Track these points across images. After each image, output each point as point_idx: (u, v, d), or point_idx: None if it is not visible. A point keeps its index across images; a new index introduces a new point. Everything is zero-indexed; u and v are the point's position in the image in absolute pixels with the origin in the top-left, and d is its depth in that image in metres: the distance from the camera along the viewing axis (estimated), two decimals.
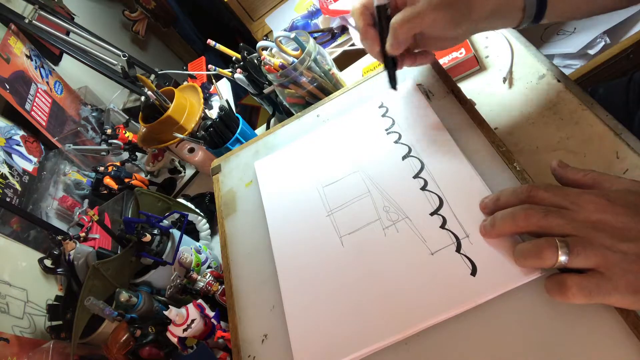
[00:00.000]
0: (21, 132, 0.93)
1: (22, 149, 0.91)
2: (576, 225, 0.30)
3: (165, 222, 0.66)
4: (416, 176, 0.43)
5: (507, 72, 0.59)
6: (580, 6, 0.42)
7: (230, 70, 0.76)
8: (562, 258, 0.30)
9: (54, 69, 1.11)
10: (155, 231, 0.63)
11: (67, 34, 1.09)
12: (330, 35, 0.91)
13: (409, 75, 0.52)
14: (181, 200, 0.75)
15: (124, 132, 0.99)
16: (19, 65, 0.97)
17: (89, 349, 0.63)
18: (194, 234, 0.73)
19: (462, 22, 0.39)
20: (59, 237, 0.74)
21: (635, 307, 0.29)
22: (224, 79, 1.00)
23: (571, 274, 0.30)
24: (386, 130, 0.48)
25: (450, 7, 0.38)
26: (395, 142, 0.47)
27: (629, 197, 0.31)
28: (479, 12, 0.39)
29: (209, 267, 0.66)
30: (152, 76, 1.09)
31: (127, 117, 1.08)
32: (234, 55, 0.74)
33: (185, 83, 0.96)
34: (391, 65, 0.45)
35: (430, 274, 0.37)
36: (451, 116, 0.45)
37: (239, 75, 0.74)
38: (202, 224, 0.73)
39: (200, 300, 0.55)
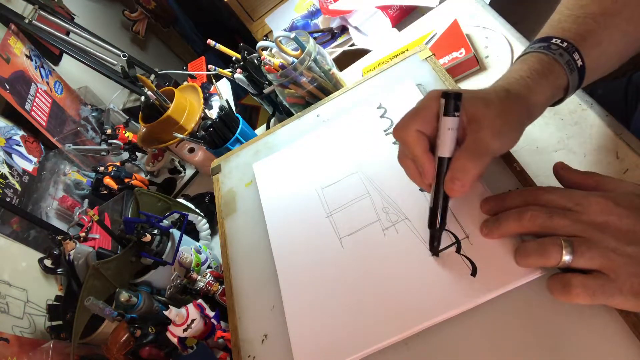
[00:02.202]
0: (21, 132, 0.93)
1: (22, 149, 0.91)
2: (581, 226, 0.30)
3: (165, 222, 0.66)
4: None
5: None
6: (610, 66, 0.41)
7: (230, 70, 0.76)
8: (566, 257, 0.30)
9: (54, 69, 1.11)
10: (155, 231, 0.63)
11: (67, 34, 1.09)
12: (330, 35, 0.91)
13: (409, 75, 0.52)
14: (181, 200, 0.75)
15: (124, 132, 0.99)
16: (19, 65, 0.97)
17: (89, 349, 0.63)
18: (194, 234, 0.73)
19: (521, 133, 0.35)
20: (59, 237, 0.74)
21: (638, 309, 0.29)
22: (224, 79, 1.00)
23: (576, 274, 0.30)
24: (385, 131, 0.48)
25: (511, 126, 0.34)
26: (395, 142, 0.47)
27: (635, 201, 0.31)
28: (535, 114, 0.37)
29: (209, 267, 0.66)
30: (152, 76, 1.09)
31: (127, 117, 1.08)
32: (234, 55, 0.74)
33: (185, 83, 0.96)
34: (442, 221, 0.36)
35: (430, 275, 0.37)
36: None
37: (239, 75, 0.74)
38: (202, 224, 0.73)
39: (200, 300, 0.55)
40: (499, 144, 0.33)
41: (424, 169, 0.35)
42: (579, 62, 0.36)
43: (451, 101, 0.32)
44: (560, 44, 0.37)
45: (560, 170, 0.37)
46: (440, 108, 0.33)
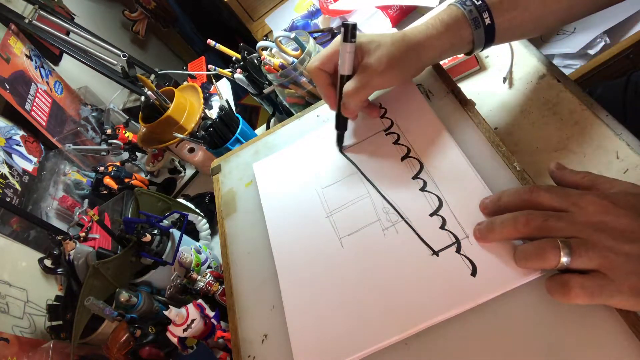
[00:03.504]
0: (21, 132, 0.93)
1: (22, 149, 0.91)
2: (578, 227, 0.30)
3: (165, 222, 0.66)
4: (415, 177, 0.43)
5: (507, 72, 0.59)
6: (527, 29, 0.44)
7: (230, 70, 0.76)
8: (565, 259, 0.30)
9: (54, 69, 1.11)
10: (155, 231, 0.64)
11: (67, 34, 1.09)
12: (330, 35, 0.91)
13: None
14: (181, 200, 0.75)
15: (124, 132, 0.99)
16: (19, 65, 0.97)
17: (89, 349, 0.63)
18: (194, 234, 0.73)
19: (411, 75, 0.43)
20: (59, 237, 0.74)
21: (637, 308, 0.29)
22: (224, 79, 1.00)
23: (574, 275, 0.30)
24: (385, 131, 0.48)
25: (397, 68, 0.41)
26: (395, 142, 0.47)
27: (630, 200, 0.31)
28: (427, 59, 0.42)
29: (209, 267, 0.66)
30: (152, 76, 1.09)
31: (127, 117, 1.08)
32: (234, 55, 0.74)
33: (185, 83, 0.96)
34: (342, 127, 0.48)
35: (430, 275, 0.37)
36: (451, 116, 0.45)
37: (239, 75, 0.74)
38: (202, 224, 0.73)
39: (200, 300, 0.55)
40: (380, 80, 0.42)
41: (327, 97, 0.46)
42: (487, 21, 0.41)
43: (348, 30, 0.40)
44: (475, 1, 0.41)
45: (555, 170, 0.37)
46: (340, 38, 0.41)
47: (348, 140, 0.50)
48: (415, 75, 0.46)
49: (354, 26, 0.40)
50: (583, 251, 0.29)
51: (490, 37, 0.42)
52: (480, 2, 0.41)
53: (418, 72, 0.44)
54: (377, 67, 0.41)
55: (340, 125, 0.48)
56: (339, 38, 0.42)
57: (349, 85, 0.42)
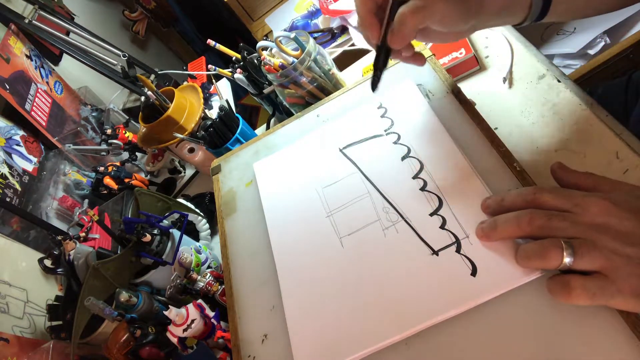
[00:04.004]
0: (21, 132, 0.93)
1: (22, 149, 0.91)
2: (580, 227, 0.30)
3: (165, 222, 0.66)
4: (415, 177, 0.43)
5: (507, 72, 0.59)
6: (579, 7, 0.42)
7: (230, 70, 0.76)
8: (567, 260, 0.30)
9: (54, 69, 1.11)
10: (155, 231, 0.63)
11: (67, 34, 1.09)
12: (330, 35, 0.91)
13: (409, 75, 0.52)
14: (181, 200, 0.75)
15: (124, 132, 0.99)
16: (19, 65, 0.97)
17: (89, 349, 0.63)
18: (194, 234, 0.73)
19: (471, 17, 0.38)
20: (59, 237, 0.74)
21: (638, 310, 0.29)
22: (224, 79, 1.00)
23: (575, 275, 0.30)
24: (385, 130, 0.48)
25: (462, 1, 0.36)
26: (395, 142, 0.47)
27: (633, 202, 0.31)
28: (490, 8, 0.38)
29: (209, 267, 0.66)
30: (152, 76, 1.09)
31: (127, 117, 1.08)
32: (234, 55, 0.74)
33: (185, 83, 0.96)
34: (383, 62, 0.42)
35: (430, 275, 0.37)
36: (451, 116, 0.45)
37: (239, 75, 0.74)
38: (202, 224, 0.73)
39: (200, 300, 0.55)
40: (443, 7, 0.36)
41: (369, 25, 0.39)
42: None
43: None
44: None
45: (557, 170, 0.37)
46: None
47: (348, 139, 0.50)
48: (470, 27, 0.39)
49: None
50: (585, 252, 0.29)
51: (546, 6, 0.38)
52: None
53: (473, 21, 0.39)
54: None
55: (382, 61, 0.41)
56: None
57: (408, 5, 0.36)
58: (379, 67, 0.42)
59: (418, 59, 0.44)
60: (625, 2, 0.42)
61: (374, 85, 0.43)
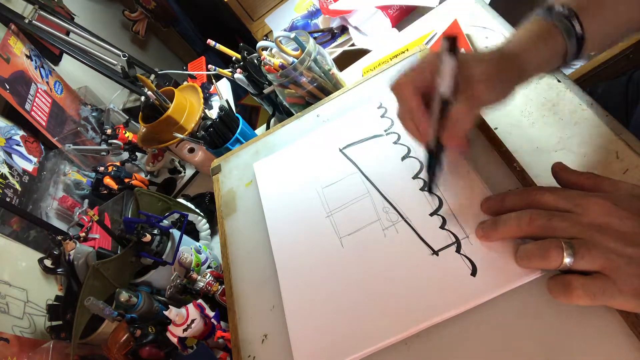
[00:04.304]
0: (21, 132, 0.93)
1: (22, 149, 0.91)
2: (581, 228, 0.30)
3: (165, 222, 0.66)
4: (415, 177, 0.43)
5: None
6: (612, 37, 0.41)
7: (230, 70, 0.76)
8: (567, 260, 0.30)
9: (54, 69, 1.11)
10: (155, 231, 0.63)
11: (67, 34, 1.09)
12: (330, 35, 0.91)
13: None
14: (181, 200, 0.75)
15: (124, 132, 0.99)
16: (19, 65, 0.97)
17: (89, 349, 0.63)
18: (194, 234, 0.73)
19: (512, 89, 0.38)
20: (59, 237, 0.74)
21: (639, 310, 0.29)
22: (224, 79, 1.00)
23: (576, 275, 0.30)
24: (385, 130, 0.48)
25: (502, 82, 0.36)
26: (395, 142, 0.47)
27: (634, 202, 0.31)
28: (528, 73, 0.38)
29: (209, 267, 0.66)
30: (152, 76, 1.09)
31: (127, 117, 1.08)
32: (234, 55, 0.74)
33: (185, 83, 0.96)
34: (438, 163, 0.39)
35: (430, 275, 0.37)
36: None
37: (239, 75, 0.74)
38: (202, 224, 0.73)
39: (200, 300, 0.55)
40: (490, 96, 0.36)
41: (419, 121, 0.37)
42: (578, 29, 0.37)
43: (454, 42, 0.33)
44: (561, 10, 0.38)
45: (558, 170, 0.37)
46: (442, 50, 0.34)
47: (348, 139, 0.50)
48: (516, 89, 0.38)
49: (455, 40, 0.34)
50: (586, 252, 0.29)
51: (580, 46, 0.38)
52: (566, 10, 0.38)
53: (519, 85, 0.38)
54: (484, 79, 0.35)
55: (438, 162, 0.39)
56: (430, 51, 0.36)
57: (457, 105, 0.35)
58: (438, 166, 0.39)
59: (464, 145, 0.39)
60: None
61: (431, 188, 0.41)
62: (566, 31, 0.38)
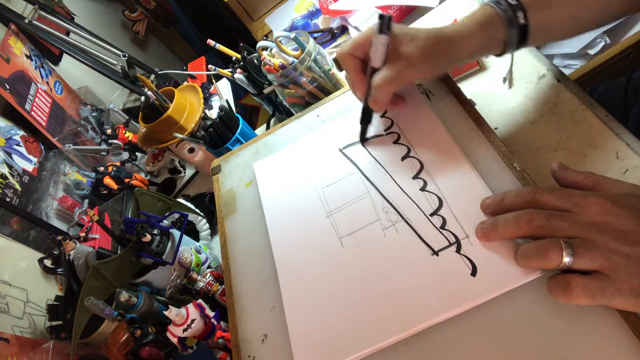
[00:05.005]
0: (21, 132, 0.93)
1: (22, 149, 0.91)
2: (580, 227, 0.31)
3: (165, 222, 0.66)
4: (415, 177, 0.43)
5: (507, 72, 0.59)
6: (562, 30, 0.44)
7: (230, 70, 0.76)
8: (567, 259, 0.30)
9: (54, 69, 1.11)
10: (155, 231, 0.63)
11: (67, 34, 1.09)
12: (330, 35, 0.91)
13: None
14: (181, 200, 0.75)
15: (124, 132, 0.99)
16: (19, 65, 0.97)
17: (89, 349, 0.63)
18: (194, 234, 0.73)
19: (441, 69, 0.43)
20: (59, 237, 0.74)
21: (638, 309, 0.29)
22: (224, 79, 1.00)
23: (575, 275, 0.30)
24: (385, 130, 0.48)
25: (428, 61, 0.40)
26: (395, 142, 0.47)
27: (632, 201, 0.31)
28: (460, 56, 0.42)
29: (209, 267, 0.66)
30: (152, 76, 1.09)
31: (127, 117, 1.08)
32: (234, 55, 0.74)
33: (185, 83, 0.96)
34: (367, 120, 0.46)
35: (430, 275, 0.37)
36: (451, 116, 0.45)
37: (239, 75, 0.74)
38: (202, 224, 0.73)
39: (200, 300, 0.55)
40: (411, 72, 0.41)
41: (355, 83, 0.45)
42: (521, 21, 0.40)
43: (385, 22, 0.39)
44: (509, 0, 0.41)
45: (557, 170, 0.37)
46: (375, 29, 0.40)
47: (348, 139, 0.50)
48: (445, 71, 0.46)
49: (390, 18, 0.40)
50: (585, 252, 0.29)
51: (523, 37, 0.41)
52: (515, 1, 0.40)
53: (448, 68, 0.44)
54: (410, 59, 0.40)
55: (366, 118, 0.46)
56: (372, 26, 0.41)
57: (378, 76, 0.41)
58: (365, 121, 0.47)
59: (402, 104, 0.47)
60: (604, 21, 0.44)
61: (362, 138, 0.48)
62: (508, 21, 0.40)
